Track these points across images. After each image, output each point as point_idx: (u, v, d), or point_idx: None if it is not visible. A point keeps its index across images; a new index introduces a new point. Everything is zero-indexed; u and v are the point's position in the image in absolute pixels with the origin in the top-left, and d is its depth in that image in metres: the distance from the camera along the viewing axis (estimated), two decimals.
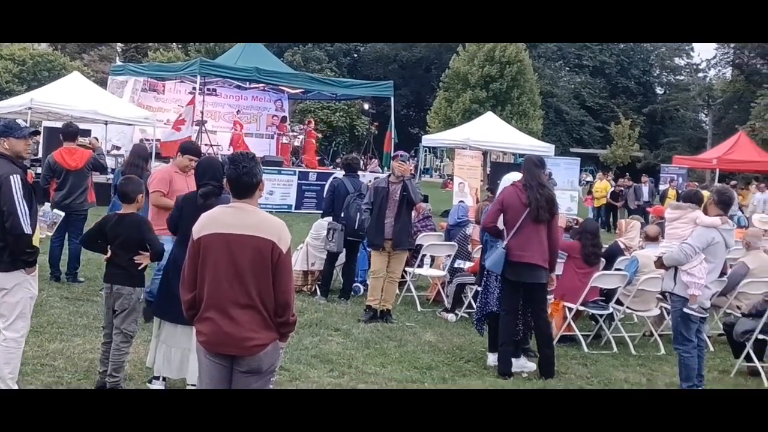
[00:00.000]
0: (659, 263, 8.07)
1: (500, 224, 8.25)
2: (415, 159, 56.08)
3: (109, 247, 6.67)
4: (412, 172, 10.90)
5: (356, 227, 10.86)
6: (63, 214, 8.47)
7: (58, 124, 20.32)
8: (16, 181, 5.88)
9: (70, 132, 10.97)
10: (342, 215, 11.05)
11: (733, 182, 28.68)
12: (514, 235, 8.12)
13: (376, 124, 38.70)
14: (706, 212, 7.95)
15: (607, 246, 11.24)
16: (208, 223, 4.45)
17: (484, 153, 29.53)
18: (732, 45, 62.32)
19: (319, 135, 29.60)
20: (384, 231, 10.12)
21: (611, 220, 27.19)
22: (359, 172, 12.32)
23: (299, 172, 24.37)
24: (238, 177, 4.41)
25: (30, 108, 19.15)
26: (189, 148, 8.74)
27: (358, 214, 10.70)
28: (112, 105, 21.29)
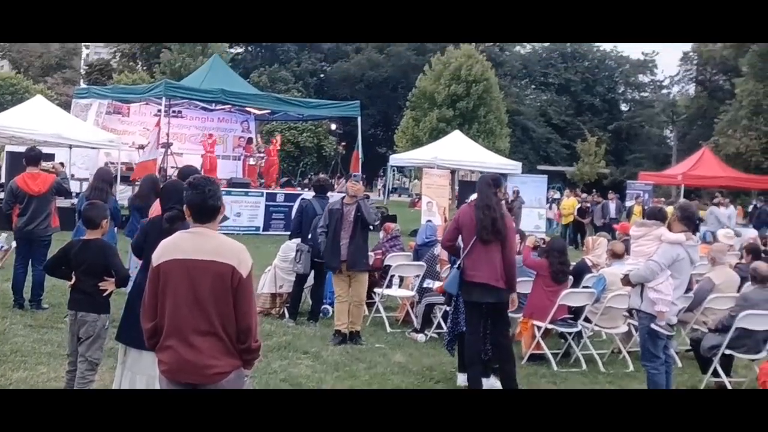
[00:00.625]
0: (626, 280, 8.10)
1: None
2: (384, 178, 56.26)
3: (73, 273, 6.58)
4: (366, 192, 10.77)
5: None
6: (13, 244, 8.31)
7: (21, 149, 20.13)
8: None
9: (33, 156, 10.83)
10: (310, 236, 10.99)
11: (695, 201, 29.00)
12: (467, 254, 8.10)
13: (343, 144, 38.71)
14: (670, 229, 8.00)
15: (574, 263, 11.29)
16: (167, 249, 4.38)
17: (452, 172, 29.66)
18: (695, 61, 63.24)
19: (278, 149, 29.35)
20: (339, 253, 10.06)
21: (579, 237, 27.34)
22: (328, 193, 12.26)
23: (266, 193, 24.28)
24: (203, 201, 4.34)
25: None
26: (188, 173, 8.40)
27: (319, 237, 10.60)
28: (76, 128, 21.13)
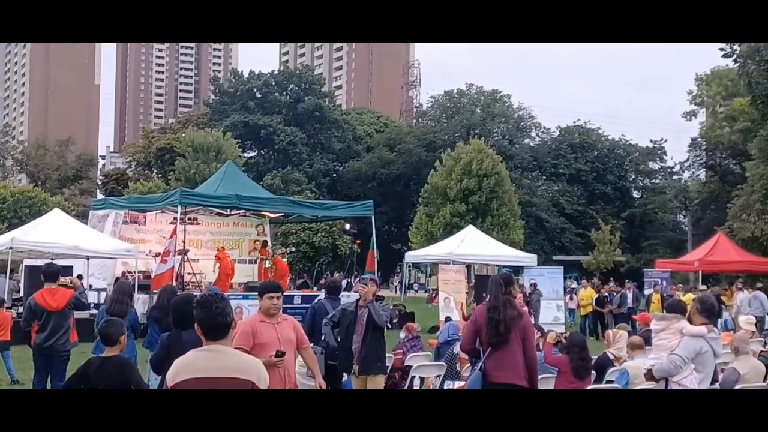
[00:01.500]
0: (650, 375, 8.00)
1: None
2: (399, 274, 56.20)
3: None
4: (379, 293, 10.66)
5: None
6: None
7: (40, 262, 20.33)
8: None
9: (51, 273, 10.93)
10: (323, 338, 10.92)
11: (714, 288, 28.75)
12: (489, 355, 8.03)
13: (358, 242, 38.92)
14: (690, 321, 7.94)
15: (595, 357, 11.17)
16: (184, 368, 4.34)
17: (468, 266, 29.64)
18: (704, 147, 63.62)
19: (286, 252, 29.44)
20: (351, 356, 9.98)
21: (599, 327, 27.09)
22: (344, 293, 12.26)
23: (283, 296, 24.18)
24: (212, 319, 4.36)
25: (11, 248, 19.15)
26: (267, 285, 8.11)
27: (327, 331, 10.49)
28: (93, 239, 21.35)
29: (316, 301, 16.38)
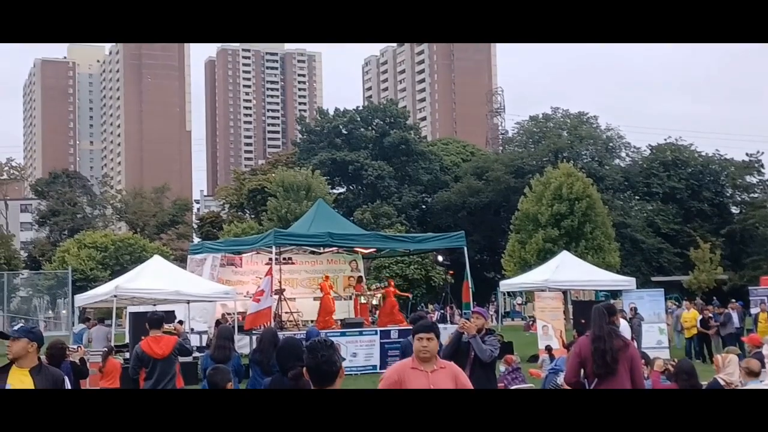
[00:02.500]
0: None
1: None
2: (495, 303, 55.76)
3: None
4: (485, 325, 10.40)
5: None
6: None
7: (142, 308, 20.89)
8: None
9: (156, 320, 11.20)
10: None
11: None
12: (596, 387, 7.85)
13: (451, 272, 38.68)
14: None
15: (705, 383, 10.81)
16: None
17: (564, 292, 29.17)
18: None
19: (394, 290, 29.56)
20: None
21: (704, 350, 26.28)
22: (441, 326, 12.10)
23: (380, 331, 24.29)
24: (317, 366, 4.39)
25: (115, 296, 19.71)
26: (419, 325, 6.58)
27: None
28: (192, 284, 21.81)
29: (406, 340, 16.32)
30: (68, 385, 6.74)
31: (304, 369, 4.53)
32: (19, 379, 6.24)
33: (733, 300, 28.92)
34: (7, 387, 6.12)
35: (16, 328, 7.41)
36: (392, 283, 30.57)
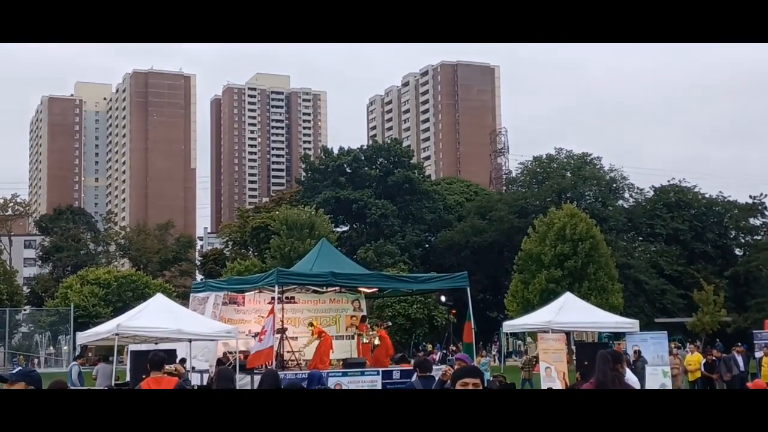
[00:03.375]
0: None
1: None
2: (498, 343, 55.53)
3: None
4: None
5: None
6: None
7: (144, 347, 20.80)
8: None
9: (157, 361, 11.16)
10: None
11: None
12: None
13: (453, 312, 38.71)
14: None
15: None
16: None
17: (567, 333, 29.05)
18: None
19: (386, 326, 29.37)
20: None
21: None
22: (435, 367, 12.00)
23: (382, 371, 24.18)
24: None
25: (116, 334, 19.66)
26: (463, 370, 5.87)
27: None
28: (194, 322, 21.71)
29: (408, 383, 16.18)
30: None
31: None
32: None
33: (738, 343, 28.74)
34: None
35: (14, 371, 7.39)
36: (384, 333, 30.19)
